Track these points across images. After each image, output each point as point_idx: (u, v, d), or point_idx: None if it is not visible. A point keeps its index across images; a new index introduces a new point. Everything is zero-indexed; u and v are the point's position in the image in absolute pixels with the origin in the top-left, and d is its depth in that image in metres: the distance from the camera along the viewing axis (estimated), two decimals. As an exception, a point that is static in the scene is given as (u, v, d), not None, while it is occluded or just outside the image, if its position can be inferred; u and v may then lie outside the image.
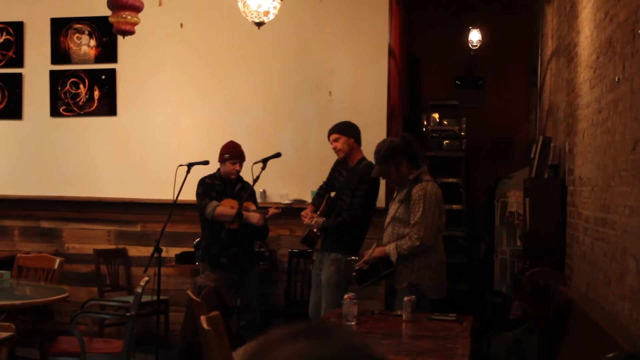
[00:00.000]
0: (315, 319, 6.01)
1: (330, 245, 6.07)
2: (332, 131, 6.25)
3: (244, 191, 6.42)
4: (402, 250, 5.30)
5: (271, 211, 6.45)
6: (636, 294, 3.55)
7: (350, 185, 6.12)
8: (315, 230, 6.06)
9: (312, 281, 6.37)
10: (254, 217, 6.40)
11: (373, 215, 6.30)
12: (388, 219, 5.56)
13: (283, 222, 7.09)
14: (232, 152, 6.51)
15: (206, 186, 6.53)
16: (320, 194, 6.40)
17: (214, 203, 6.40)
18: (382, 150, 5.45)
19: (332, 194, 6.33)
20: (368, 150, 6.25)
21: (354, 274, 5.58)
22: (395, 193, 5.68)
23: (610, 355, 3.06)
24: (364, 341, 1.00)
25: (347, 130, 6.21)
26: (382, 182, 6.65)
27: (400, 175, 5.46)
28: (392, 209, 5.55)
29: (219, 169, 6.61)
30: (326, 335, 1.00)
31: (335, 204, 6.16)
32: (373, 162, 5.65)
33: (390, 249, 5.35)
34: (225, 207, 6.36)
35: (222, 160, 6.55)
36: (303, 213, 6.23)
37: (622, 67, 3.94)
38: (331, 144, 6.26)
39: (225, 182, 6.57)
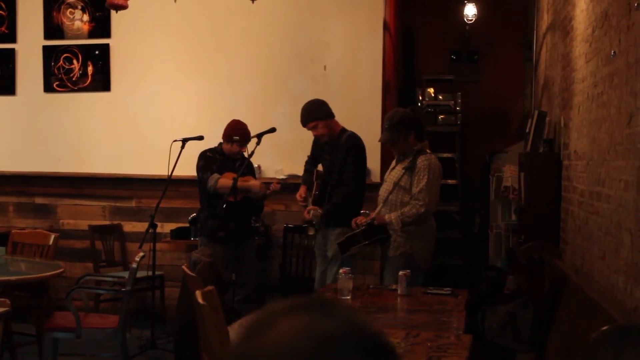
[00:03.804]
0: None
1: (332, 221, 6.06)
2: (307, 121, 6.14)
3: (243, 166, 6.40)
4: (406, 217, 5.40)
5: (273, 187, 6.45)
6: (631, 267, 3.56)
7: (337, 161, 6.10)
8: (315, 223, 6.06)
9: (317, 258, 6.35)
10: (254, 185, 6.41)
11: (367, 191, 6.30)
12: (390, 185, 5.59)
13: (278, 197, 7.08)
14: (242, 135, 6.47)
15: (207, 159, 6.51)
16: (308, 170, 6.38)
17: (216, 176, 6.38)
18: (396, 118, 5.56)
19: (320, 166, 6.33)
20: (362, 125, 6.25)
21: (362, 227, 5.57)
22: (394, 162, 5.71)
23: (605, 328, 3.07)
24: (363, 317, 1.00)
25: (319, 113, 6.13)
26: (373, 154, 6.67)
27: (406, 145, 5.58)
28: (394, 175, 5.60)
29: (220, 144, 6.59)
30: (325, 310, 0.99)
31: (326, 183, 6.14)
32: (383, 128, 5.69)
33: (392, 217, 5.41)
34: (227, 179, 6.34)
35: (229, 140, 6.49)
36: (297, 196, 6.23)
37: (618, 40, 3.92)
38: (310, 130, 6.20)
39: (226, 157, 6.56)
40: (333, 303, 1.01)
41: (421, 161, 5.49)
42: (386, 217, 5.46)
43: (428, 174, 5.43)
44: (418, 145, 5.57)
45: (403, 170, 5.53)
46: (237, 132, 6.48)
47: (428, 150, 5.61)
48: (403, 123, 5.52)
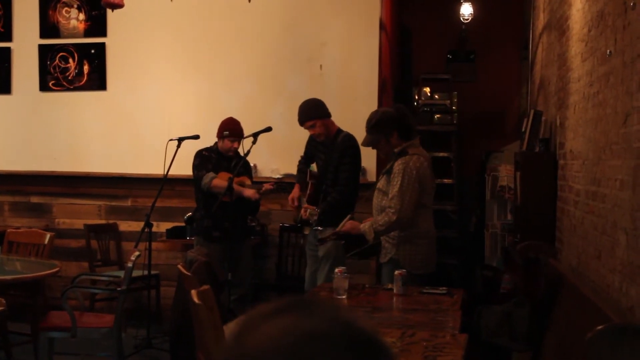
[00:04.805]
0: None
1: (325, 221, 6.05)
2: (304, 119, 6.16)
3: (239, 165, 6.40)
4: (378, 226, 5.20)
5: (265, 187, 6.45)
6: (626, 266, 3.56)
7: (332, 161, 6.11)
8: (312, 222, 6.06)
9: (308, 258, 6.35)
10: (248, 192, 6.39)
11: (361, 190, 6.31)
12: (375, 189, 5.55)
13: (274, 196, 7.08)
14: (232, 130, 6.48)
15: (203, 158, 6.51)
16: (302, 170, 6.39)
17: (211, 174, 6.38)
18: (374, 120, 5.40)
19: (313, 165, 6.34)
20: (358, 124, 6.23)
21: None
22: None
23: (600, 327, 3.07)
24: (350, 313, 0.99)
25: (317, 112, 6.16)
26: (369, 153, 6.67)
27: (389, 147, 5.39)
28: (379, 179, 5.54)
29: (216, 143, 6.59)
30: (310, 308, 0.98)
31: (321, 183, 6.15)
32: (364, 130, 5.60)
33: (365, 227, 5.26)
34: (222, 180, 6.35)
35: (221, 136, 6.51)
36: (290, 197, 6.23)
37: (614, 40, 3.92)
38: (307, 130, 6.22)
39: (222, 156, 6.56)
40: (318, 302, 1.00)
41: (397, 165, 5.24)
42: (361, 226, 5.30)
43: (402, 178, 5.17)
44: (401, 146, 5.34)
45: (382, 175, 5.46)
46: (228, 127, 6.49)
47: (412, 150, 5.32)
48: (381, 124, 5.34)
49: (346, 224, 5.41)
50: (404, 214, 5.16)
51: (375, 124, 5.37)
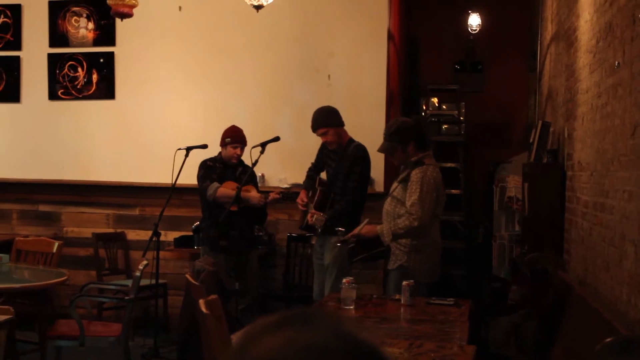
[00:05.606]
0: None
1: (331, 228, 6.06)
2: (318, 126, 6.18)
3: (245, 174, 6.41)
4: (397, 229, 5.27)
5: (272, 196, 6.45)
6: (634, 278, 3.55)
7: (342, 170, 6.12)
8: (318, 228, 6.06)
9: (314, 267, 6.36)
10: (254, 197, 6.41)
11: (369, 200, 6.31)
12: (388, 196, 5.56)
13: (282, 206, 7.09)
14: (233, 137, 6.50)
15: (207, 169, 6.53)
16: (311, 177, 6.41)
17: (215, 185, 6.39)
18: (393, 128, 5.46)
19: (322, 174, 6.35)
20: (366, 134, 6.25)
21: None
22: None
23: (609, 339, 3.07)
24: (352, 326, 0.99)
25: (330, 120, 6.18)
26: (377, 164, 6.68)
27: (405, 156, 5.45)
28: (393, 186, 5.56)
29: (220, 152, 6.61)
30: (311, 321, 0.99)
31: (330, 191, 6.16)
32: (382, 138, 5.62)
33: (382, 229, 5.33)
34: (227, 189, 6.36)
35: (223, 144, 6.54)
36: (298, 200, 6.24)
37: (622, 51, 3.93)
38: (319, 137, 6.24)
39: (227, 165, 6.57)
40: (320, 314, 1.01)
41: (415, 174, 5.32)
42: (377, 228, 5.37)
43: (420, 186, 5.26)
44: (417, 156, 5.41)
45: (398, 183, 5.49)
46: (229, 134, 6.51)
47: (428, 161, 5.42)
48: (400, 133, 5.41)
49: (364, 228, 5.46)
50: (424, 220, 5.26)
51: (395, 132, 5.43)
